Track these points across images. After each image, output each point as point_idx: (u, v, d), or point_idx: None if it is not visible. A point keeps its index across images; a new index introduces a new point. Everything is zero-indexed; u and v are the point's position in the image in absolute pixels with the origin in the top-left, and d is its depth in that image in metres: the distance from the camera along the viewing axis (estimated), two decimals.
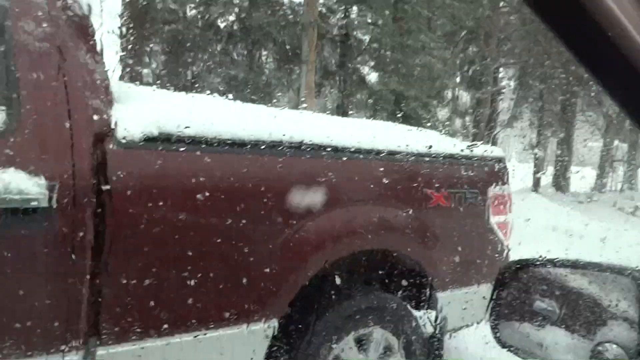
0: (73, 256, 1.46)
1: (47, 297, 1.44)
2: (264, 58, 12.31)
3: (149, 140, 1.60)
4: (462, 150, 2.49)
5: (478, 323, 2.61)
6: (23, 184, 1.38)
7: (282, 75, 11.99)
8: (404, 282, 2.33)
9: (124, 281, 1.54)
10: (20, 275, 1.42)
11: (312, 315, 2.03)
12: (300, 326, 2.00)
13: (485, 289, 2.52)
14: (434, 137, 2.63)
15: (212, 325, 1.69)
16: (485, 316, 2.58)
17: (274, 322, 1.86)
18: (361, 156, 2.09)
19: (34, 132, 1.44)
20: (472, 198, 2.45)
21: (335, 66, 12.45)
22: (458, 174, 2.41)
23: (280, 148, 1.85)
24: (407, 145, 2.27)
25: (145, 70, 10.83)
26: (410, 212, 2.23)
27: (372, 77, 12.53)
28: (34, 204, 1.39)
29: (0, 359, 1.39)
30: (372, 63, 12.55)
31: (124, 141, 1.57)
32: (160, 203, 1.58)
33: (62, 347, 1.46)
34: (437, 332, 2.42)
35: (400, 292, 2.31)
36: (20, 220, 1.39)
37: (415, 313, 2.33)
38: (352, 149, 2.07)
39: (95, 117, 1.55)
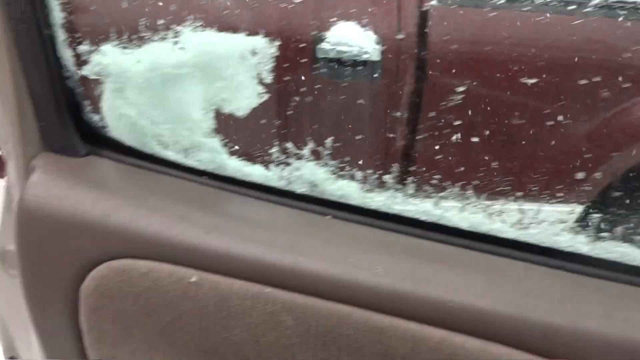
0: (393, 108, 1.58)
1: (362, 142, 1.60)
2: None
3: None
4: None
5: None
6: (357, 37, 1.51)
7: None
8: None
9: (435, 139, 1.60)
10: (347, 121, 1.59)
11: (626, 208, 1.82)
12: (610, 217, 1.82)
13: None
14: None
15: (516, 197, 1.66)
16: None
17: (580, 208, 1.73)
18: None
19: None
20: None
21: None
22: None
23: (616, 10, 1.58)
24: None
25: None
26: None
27: None
28: (366, 56, 1.52)
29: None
30: None
31: None
32: (478, 64, 1.56)
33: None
34: None
35: None
36: (352, 71, 1.54)
37: None
38: None
39: None
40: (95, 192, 0.65)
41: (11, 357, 0.87)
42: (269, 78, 0.62)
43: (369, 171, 0.65)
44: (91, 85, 0.69)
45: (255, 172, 0.67)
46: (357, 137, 1.57)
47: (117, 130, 0.71)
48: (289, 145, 0.66)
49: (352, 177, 0.64)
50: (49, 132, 0.68)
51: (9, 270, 0.78)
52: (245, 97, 0.63)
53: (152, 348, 0.63)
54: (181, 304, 0.60)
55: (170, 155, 0.71)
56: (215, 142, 0.67)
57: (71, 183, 0.66)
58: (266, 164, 0.67)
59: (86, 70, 0.67)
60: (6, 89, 0.65)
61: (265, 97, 0.64)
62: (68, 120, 0.69)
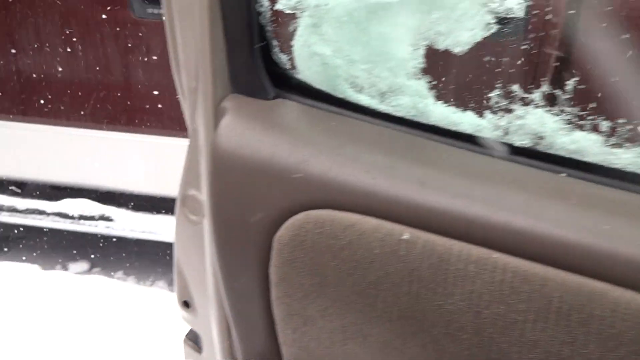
0: (536, 71, 1.41)
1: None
2: None
3: None
4: None
5: None
6: None
7: None
8: None
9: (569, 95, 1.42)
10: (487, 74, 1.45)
11: None
12: None
13: None
14: None
15: None
16: None
17: None
18: None
19: None
20: None
21: None
22: None
23: None
24: None
25: None
26: None
27: None
28: (510, 15, 1.36)
29: None
30: None
31: None
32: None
33: None
34: None
35: None
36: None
37: None
38: None
39: None
40: (290, 136, 0.60)
41: (184, 301, 0.88)
42: (504, 5, 0.52)
43: (621, 120, 0.53)
44: (284, 21, 0.64)
45: (465, 120, 0.58)
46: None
47: (306, 71, 0.66)
48: (514, 88, 0.55)
49: (594, 128, 0.53)
50: (239, 71, 0.64)
51: (188, 216, 0.77)
52: (468, 29, 0.54)
53: (347, 308, 0.58)
54: (388, 263, 0.54)
55: (363, 99, 0.64)
56: (421, 85, 0.59)
57: (264, 127, 0.62)
58: (480, 110, 0.57)
59: (281, 4, 0.61)
60: (202, 26, 0.62)
61: (494, 29, 0.54)
62: (259, 60, 0.64)
